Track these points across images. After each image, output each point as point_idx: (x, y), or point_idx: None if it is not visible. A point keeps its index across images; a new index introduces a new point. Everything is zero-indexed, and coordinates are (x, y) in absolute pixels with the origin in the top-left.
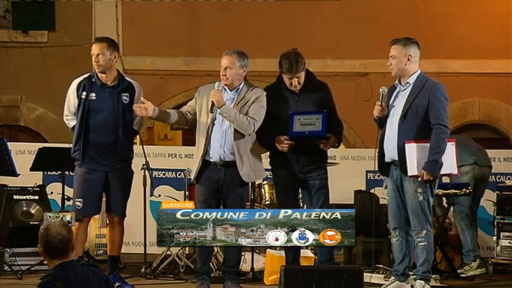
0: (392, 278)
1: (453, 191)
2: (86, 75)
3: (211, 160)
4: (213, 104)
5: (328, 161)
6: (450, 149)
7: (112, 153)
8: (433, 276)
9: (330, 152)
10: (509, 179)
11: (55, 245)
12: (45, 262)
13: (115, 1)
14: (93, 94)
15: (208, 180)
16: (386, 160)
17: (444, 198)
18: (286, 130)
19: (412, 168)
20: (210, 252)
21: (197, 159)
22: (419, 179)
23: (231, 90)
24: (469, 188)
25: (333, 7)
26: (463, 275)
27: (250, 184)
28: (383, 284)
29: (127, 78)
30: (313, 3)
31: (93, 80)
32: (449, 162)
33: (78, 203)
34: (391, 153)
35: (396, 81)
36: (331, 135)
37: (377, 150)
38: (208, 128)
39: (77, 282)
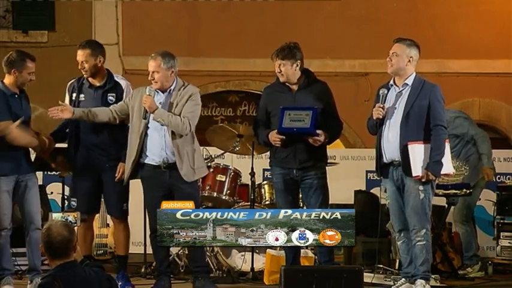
0: (403, 279)
1: (453, 191)
2: (77, 77)
3: (154, 164)
4: (145, 110)
5: (328, 161)
6: (446, 149)
7: (102, 152)
8: (433, 276)
9: (330, 152)
10: (509, 179)
11: (56, 245)
12: (45, 262)
13: (115, 1)
14: (82, 95)
15: (156, 185)
16: (385, 161)
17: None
18: None
19: (417, 169)
20: (167, 252)
21: (129, 162)
22: (423, 180)
23: (163, 93)
24: (470, 188)
25: (333, 7)
26: (466, 276)
27: (250, 184)
28: (383, 284)
29: (116, 78)
30: (313, 3)
31: (83, 81)
32: (447, 162)
33: (73, 203)
34: (391, 153)
35: (391, 82)
36: (322, 132)
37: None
38: (142, 133)
39: (77, 282)
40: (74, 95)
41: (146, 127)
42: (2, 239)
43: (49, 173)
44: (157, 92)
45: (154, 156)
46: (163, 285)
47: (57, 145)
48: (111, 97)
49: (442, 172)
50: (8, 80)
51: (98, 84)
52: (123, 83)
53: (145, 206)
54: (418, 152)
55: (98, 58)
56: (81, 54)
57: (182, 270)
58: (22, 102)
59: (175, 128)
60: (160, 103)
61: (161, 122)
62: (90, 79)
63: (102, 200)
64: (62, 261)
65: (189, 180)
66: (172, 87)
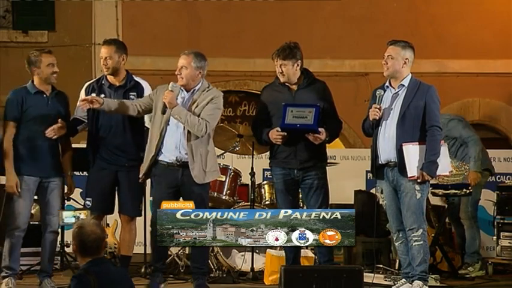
0: (403, 280)
1: (453, 191)
2: (96, 78)
3: (167, 161)
4: (164, 105)
5: (328, 161)
6: (443, 149)
7: (121, 153)
8: (433, 276)
9: (330, 152)
10: (509, 179)
11: (90, 243)
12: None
13: (115, 1)
14: (102, 95)
15: (167, 181)
16: (381, 162)
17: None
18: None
19: (411, 170)
20: (166, 252)
21: (148, 159)
22: (418, 180)
23: (187, 91)
24: (470, 188)
25: (333, 7)
26: (467, 276)
27: (250, 184)
28: (383, 284)
29: (135, 78)
30: (313, 3)
31: (103, 81)
32: (444, 163)
33: (88, 202)
34: (387, 154)
35: (386, 83)
36: (323, 131)
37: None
38: (162, 129)
39: (108, 278)
40: (93, 94)
41: (166, 124)
42: (14, 239)
43: None
44: (182, 90)
45: (169, 153)
46: (158, 281)
47: (75, 145)
48: (132, 96)
49: (438, 173)
50: (35, 79)
51: (118, 84)
52: (143, 82)
53: (155, 204)
54: (412, 153)
55: (121, 56)
56: (105, 51)
57: (182, 270)
58: (50, 101)
59: (192, 127)
60: (182, 99)
61: (178, 119)
62: (110, 79)
63: None
64: (93, 258)
65: (200, 182)
66: (197, 88)
